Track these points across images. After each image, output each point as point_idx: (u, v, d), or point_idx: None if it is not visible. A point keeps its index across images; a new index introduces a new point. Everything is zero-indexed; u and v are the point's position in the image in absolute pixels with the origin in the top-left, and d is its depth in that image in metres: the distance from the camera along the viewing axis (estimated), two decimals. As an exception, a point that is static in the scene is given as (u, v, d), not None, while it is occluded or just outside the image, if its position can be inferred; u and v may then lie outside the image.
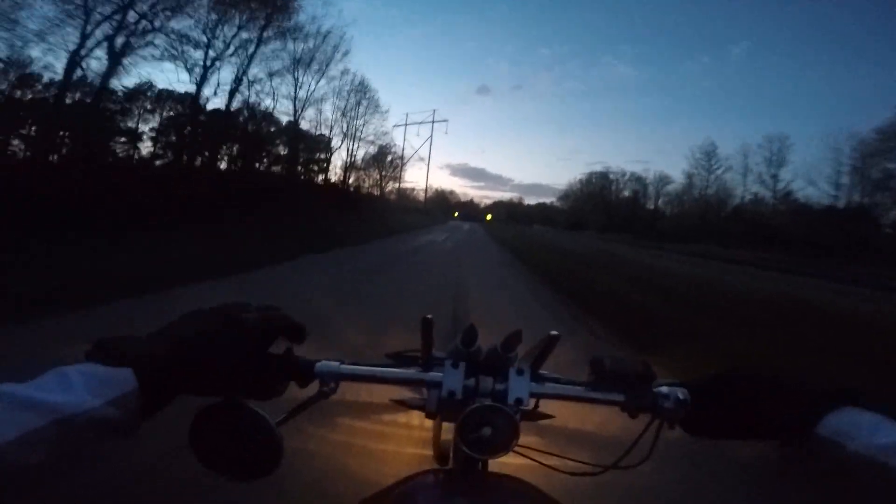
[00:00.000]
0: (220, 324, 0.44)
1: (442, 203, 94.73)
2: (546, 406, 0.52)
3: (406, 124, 58.33)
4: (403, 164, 61.40)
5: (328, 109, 26.33)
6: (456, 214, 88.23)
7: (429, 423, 0.58)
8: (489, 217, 66.95)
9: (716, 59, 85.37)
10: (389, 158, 69.48)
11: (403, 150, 62.80)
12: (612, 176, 72.14)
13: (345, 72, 23.54)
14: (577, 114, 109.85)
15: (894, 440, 0.38)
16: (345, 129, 25.92)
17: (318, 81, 21.57)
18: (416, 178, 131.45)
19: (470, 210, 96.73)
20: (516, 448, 0.48)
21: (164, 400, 0.41)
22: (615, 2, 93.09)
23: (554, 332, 0.49)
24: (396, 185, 71.65)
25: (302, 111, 21.04)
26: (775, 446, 0.45)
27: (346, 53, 21.61)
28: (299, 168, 23.84)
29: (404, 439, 1.59)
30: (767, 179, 42.79)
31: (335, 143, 25.73)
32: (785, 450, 0.45)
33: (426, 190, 61.84)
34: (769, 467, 0.51)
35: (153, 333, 0.43)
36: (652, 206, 63.08)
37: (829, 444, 0.41)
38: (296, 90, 20.59)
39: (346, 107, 25.16)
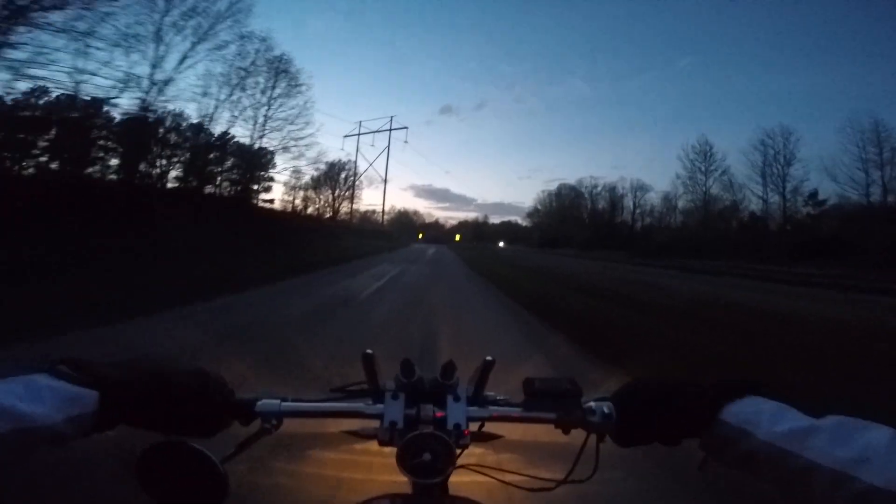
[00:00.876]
0: (183, 370, 0.48)
1: (406, 224, 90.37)
2: (496, 426, 0.55)
3: (359, 133, 53.73)
4: (356, 178, 55.07)
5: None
6: (421, 236, 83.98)
7: (385, 450, 0.59)
8: (458, 237, 62.26)
9: (664, 71, 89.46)
10: (343, 175, 65.11)
11: (356, 163, 55.49)
12: (583, 188, 69.99)
13: (245, 36, 17.54)
14: (537, 131, 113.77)
15: (795, 426, 0.41)
16: (257, 120, 20.24)
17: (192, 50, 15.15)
18: (379, 200, 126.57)
19: (436, 231, 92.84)
20: (474, 468, 0.53)
21: (112, 424, 0.44)
22: (571, 19, 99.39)
23: (489, 358, 0.52)
24: (352, 205, 67.50)
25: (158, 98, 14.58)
26: (696, 443, 0.48)
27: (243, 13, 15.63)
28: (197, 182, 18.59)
29: (363, 466, 1.47)
30: (776, 180, 36.69)
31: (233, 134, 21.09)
32: (703, 444, 0.47)
33: (383, 210, 57.15)
34: (694, 464, 0.48)
35: (119, 363, 0.46)
36: (631, 218, 60.97)
37: (735, 431, 0.44)
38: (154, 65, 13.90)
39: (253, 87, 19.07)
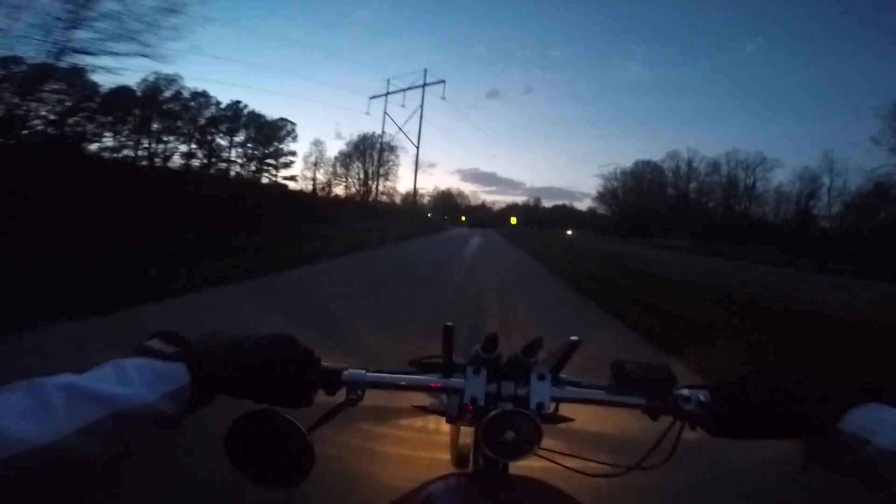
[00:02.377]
0: (269, 336, 0.47)
1: (448, 206, 79.52)
2: (566, 409, 0.53)
3: (388, 93, 43.09)
4: (382, 147, 45.41)
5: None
6: (463, 219, 72.48)
7: (446, 428, 0.58)
8: (513, 220, 48.58)
9: (730, 56, 79.36)
10: (378, 149, 55.28)
11: (383, 129, 47.86)
12: (666, 165, 56.42)
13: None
14: (590, 115, 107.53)
15: None
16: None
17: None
18: (422, 181, 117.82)
19: (482, 214, 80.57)
20: (537, 451, 0.49)
21: (209, 398, 0.43)
22: (624, 1, 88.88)
23: (574, 338, 0.50)
24: (376, 183, 57.09)
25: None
26: (800, 444, 0.46)
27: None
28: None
29: (423, 444, 1.61)
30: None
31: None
32: (809, 448, 0.46)
33: (415, 184, 46.08)
34: (793, 466, 0.47)
35: (208, 333, 0.46)
36: (747, 203, 46.41)
37: (853, 440, 0.41)
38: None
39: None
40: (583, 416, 0.55)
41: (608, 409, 0.52)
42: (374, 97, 43.60)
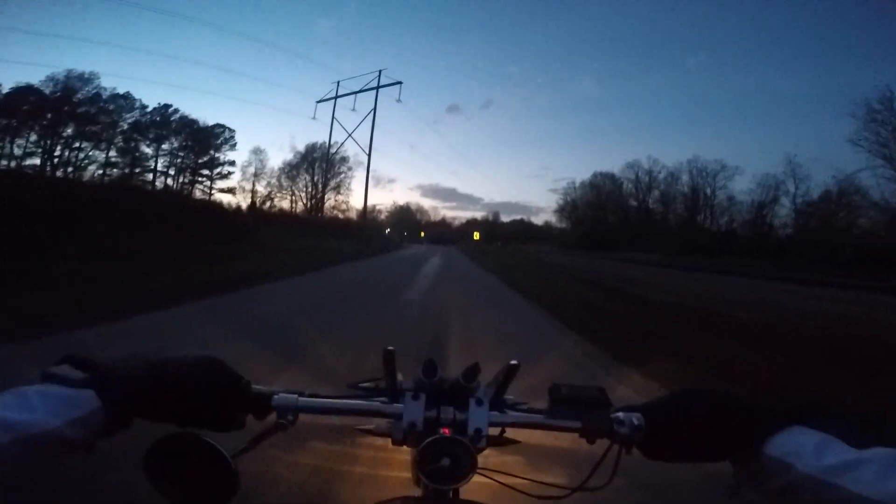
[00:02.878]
0: (195, 359, 0.46)
1: (407, 222, 77.09)
2: (513, 432, 0.54)
3: (337, 96, 39.99)
4: (330, 154, 41.07)
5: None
6: (423, 235, 70.48)
7: (403, 448, 0.58)
8: (477, 236, 45.26)
9: (678, 69, 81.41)
10: (332, 159, 51.88)
11: (330, 135, 40.96)
12: (625, 177, 56.67)
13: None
14: (545, 130, 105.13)
15: (840, 460, 0.39)
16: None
17: None
18: (381, 197, 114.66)
19: (442, 230, 78.60)
20: (486, 473, 0.51)
21: (125, 422, 0.42)
22: (579, 18, 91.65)
23: (514, 362, 0.50)
24: (338, 198, 53.71)
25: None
26: (728, 467, 0.48)
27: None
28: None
29: (379, 463, 1.53)
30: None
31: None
32: (736, 470, 0.47)
33: (365, 197, 41.70)
34: (722, 489, 0.49)
35: (124, 357, 0.45)
36: (709, 214, 46.64)
37: (777, 464, 0.42)
38: None
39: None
40: (531, 437, 0.55)
41: (555, 433, 0.52)
42: (321, 100, 40.25)
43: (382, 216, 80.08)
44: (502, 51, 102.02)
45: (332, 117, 39.75)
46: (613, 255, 35.99)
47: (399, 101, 38.16)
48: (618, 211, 57.11)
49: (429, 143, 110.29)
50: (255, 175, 45.28)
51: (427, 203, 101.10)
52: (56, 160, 29.88)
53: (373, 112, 37.91)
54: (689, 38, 76.94)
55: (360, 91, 38.10)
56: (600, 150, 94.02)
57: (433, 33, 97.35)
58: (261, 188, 45.72)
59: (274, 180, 45.81)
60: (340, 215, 52.31)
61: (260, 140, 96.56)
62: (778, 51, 71.47)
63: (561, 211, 64.43)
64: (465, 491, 0.50)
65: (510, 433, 0.54)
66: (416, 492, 0.52)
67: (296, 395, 0.49)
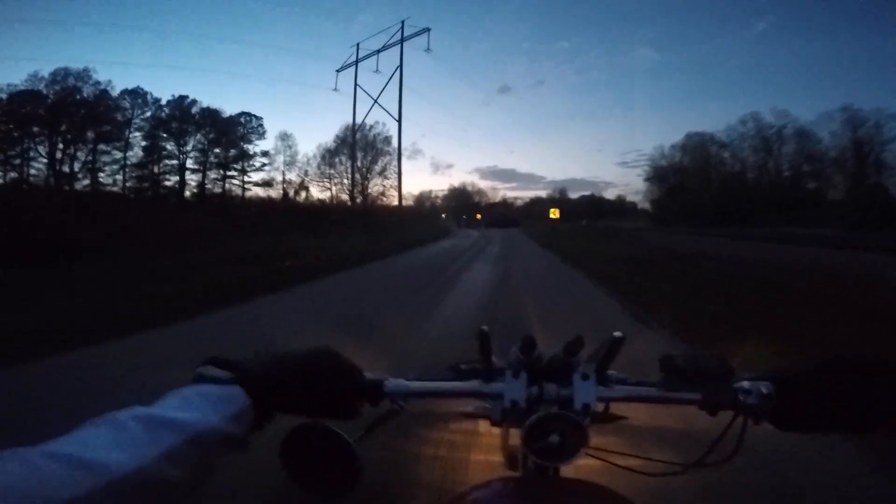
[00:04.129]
0: (315, 351, 0.48)
1: (463, 205, 67.60)
2: (619, 407, 0.51)
3: (357, 61, 31.95)
4: (359, 128, 34.28)
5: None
6: (478, 216, 60.50)
7: (496, 429, 0.58)
8: (555, 213, 31.92)
9: (741, 34, 69.39)
10: (375, 142, 44.13)
11: (354, 108, 32.86)
12: (720, 137, 42.90)
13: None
14: (604, 104, 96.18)
15: None
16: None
17: None
18: (440, 183, 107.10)
19: (503, 211, 67.76)
20: (590, 451, 0.48)
21: (268, 416, 0.45)
22: None
23: (618, 334, 0.47)
24: (385, 183, 46.30)
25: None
26: (881, 436, 0.43)
27: None
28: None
29: (473, 447, 1.58)
30: None
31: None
32: (887, 442, 0.45)
33: (399, 175, 33.93)
34: (868, 462, 0.54)
35: (257, 353, 0.47)
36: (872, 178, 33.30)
37: None
38: None
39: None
40: (638, 414, 0.52)
41: (663, 406, 0.49)
42: (341, 69, 32.43)
43: (437, 200, 73.13)
44: (550, 27, 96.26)
45: (355, 84, 31.27)
46: (756, 233, 24.87)
47: (429, 49, 28.94)
48: (729, 177, 43.53)
49: (484, 125, 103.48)
50: (289, 164, 38.74)
51: (486, 185, 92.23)
52: (71, 164, 26.65)
53: (399, 71, 28.80)
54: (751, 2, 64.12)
55: (384, 49, 29.30)
56: (665, 119, 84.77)
57: (478, 15, 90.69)
58: (293, 177, 39.22)
59: (311, 168, 39.10)
60: (386, 201, 45.18)
61: (285, 124, 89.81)
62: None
63: (655, 180, 51.26)
64: (566, 471, 0.50)
65: (616, 409, 0.51)
66: (509, 474, 0.52)
67: (405, 381, 0.50)
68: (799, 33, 65.07)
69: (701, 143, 48.72)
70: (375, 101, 31.07)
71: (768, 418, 0.45)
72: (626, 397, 0.49)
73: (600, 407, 0.48)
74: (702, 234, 26.37)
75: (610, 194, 76.19)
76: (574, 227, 34.95)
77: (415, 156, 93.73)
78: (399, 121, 29.88)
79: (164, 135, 31.95)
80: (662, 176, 51.08)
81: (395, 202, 44.99)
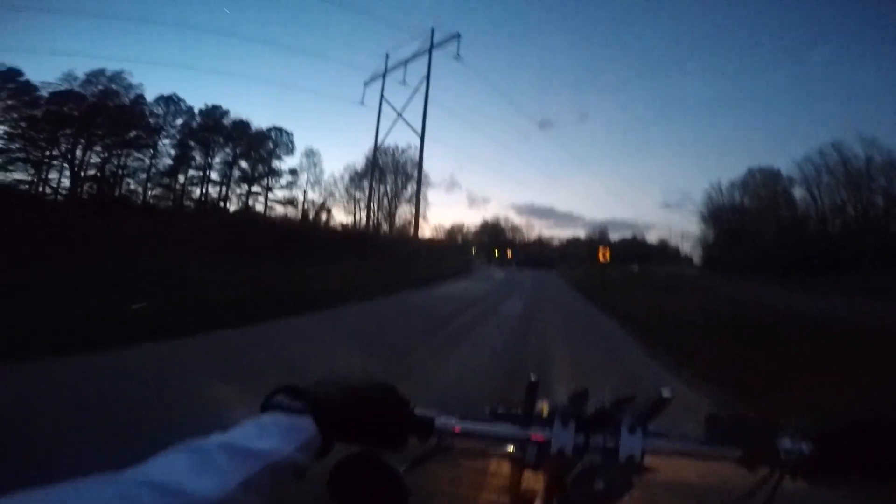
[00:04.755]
0: (373, 384, 0.49)
1: (497, 239, 63.53)
2: (650, 460, 0.51)
3: (385, 72, 28.91)
4: (378, 147, 30.04)
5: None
6: (510, 255, 55.97)
7: (504, 471, 0.59)
8: (605, 255, 24.60)
9: (797, 66, 64.57)
10: (401, 168, 41.26)
11: (379, 119, 28.60)
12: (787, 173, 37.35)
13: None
14: (649, 140, 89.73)
15: None
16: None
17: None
18: (475, 217, 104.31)
19: (538, 249, 62.95)
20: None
21: (331, 446, 0.45)
22: (677, 18, 77.43)
23: (666, 393, 0.48)
24: (369, 203, 39.41)
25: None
26: None
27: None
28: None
29: (520, 490, 1.14)
30: None
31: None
32: None
33: (417, 202, 29.78)
34: None
35: (319, 383, 0.48)
36: None
37: None
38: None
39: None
40: (672, 468, 0.54)
41: (700, 463, 0.50)
42: (369, 82, 29.90)
43: (469, 235, 69.56)
44: (595, 60, 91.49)
45: (381, 97, 28.52)
46: (843, 285, 19.01)
47: (458, 56, 26.00)
48: (802, 218, 37.58)
49: (522, 160, 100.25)
50: (315, 183, 36.54)
51: (522, 221, 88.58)
52: (102, 170, 25.99)
53: (426, 83, 25.82)
54: (807, 31, 60.33)
55: (413, 58, 26.51)
56: (715, 159, 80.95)
57: (521, 47, 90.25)
58: (316, 196, 37.11)
59: (338, 189, 37.09)
60: (410, 232, 42.03)
61: (310, 139, 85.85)
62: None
63: (711, 221, 45.60)
64: None
65: (654, 463, 0.50)
66: None
67: (455, 419, 0.51)
68: (858, 60, 58.75)
69: (766, 179, 43.35)
70: (399, 115, 27.97)
71: (803, 474, 0.46)
72: (669, 451, 0.49)
73: (646, 460, 0.49)
74: (777, 286, 21.15)
75: (651, 237, 71.95)
76: (622, 273, 29.24)
77: (452, 188, 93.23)
78: (422, 137, 26.64)
79: (194, 144, 30.64)
80: (718, 217, 45.67)
81: (421, 231, 41.97)
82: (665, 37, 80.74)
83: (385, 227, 40.61)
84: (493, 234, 66.98)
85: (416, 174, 42.22)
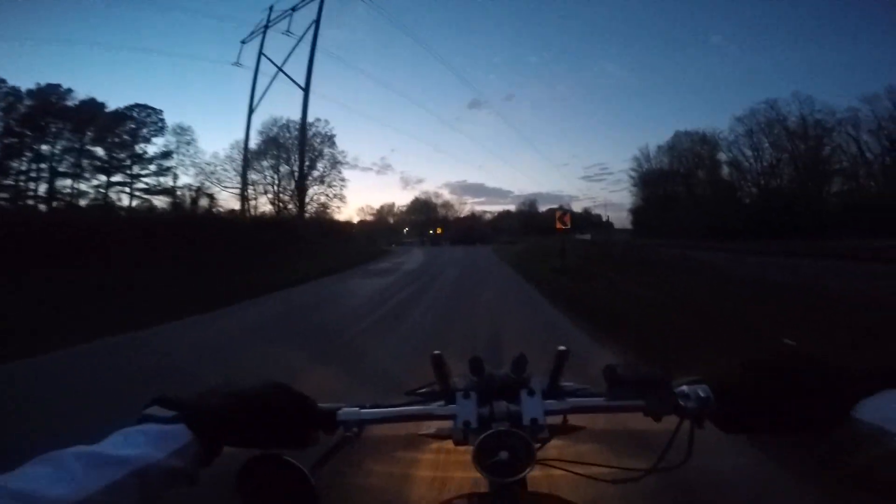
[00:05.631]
0: (263, 385, 0.48)
1: (429, 218, 58.56)
2: (577, 418, 0.52)
3: (266, 26, 22.87)
4: (255, 106, 23.92)
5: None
6: (440, 231, 51.57)
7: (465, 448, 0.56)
8: (566, 223, 21.90)
9: (699, 49, 69.88)
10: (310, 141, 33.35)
11: (256, 76, 23.28)
12: (729, 134, 36.28)
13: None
14: (571, 118, 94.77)
15: None
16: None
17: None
18: (409, 197, 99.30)
19: (470, 226, 58.77)
20: (553, 463, 0.50)
21: (216, 450, 0.44)
22: (597, 4, 79.76)
23: (562, 348, 0.49)
24: (329, 191, 37.27)
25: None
26: (817, 436, 0.43)
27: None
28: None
29: (445, 464, 1.46)
30: None
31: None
32: (825, 440, 0.42)
33: (301, 167, 27.11)
34: (811, 460, 0.45)
35: (204, 391, 0.47)
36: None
37: (869, 428, 0.38)
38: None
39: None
40: (596, 422, 0.53)
41: (618, 415, 0.50)
42: (246, 40, 23.53)
43: (400, 214, 63.91)
44: (520, 42, 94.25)
45: (260, 53, 22.13)
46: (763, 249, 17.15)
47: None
48: (727, 184, 36.85)
49: (454, 139, 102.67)
50: (189, 165, 29.30)
51: (454, 198, 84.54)
52: None
53: (314, 28, 19.95)
54: (709, 18, 63.34)
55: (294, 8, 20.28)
56: (631, 133, 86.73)
57: (448, 30, 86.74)
58: (190, 179, 30.79)
59: (227, 171, 30.56)
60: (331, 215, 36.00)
61: (180, 115, 69.31)
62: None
63: (641, 186, 44.02)
64: (537, 483, 0.49)
65: (573, 420, 0.52)
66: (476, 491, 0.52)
67: (358, 409, 0.50)
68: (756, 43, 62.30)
69: (693, 142, 42.37)
70: (280, 69, 21.80)
71: (712, 420, 0.46)
72: (572, 409, 0.49)
73: (556, 420, 0.49)
74: (712, 250, 18.66)
75: (576, 207, 70.02)
76: (571, 245, 25.41)
77: (385, 171, 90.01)
78: (306, 91, 20.86)
79: (28, 132, 24.41)
80: (647, 181, 44.38)
81: (342, 216, 36.18)
82: (580, 25, 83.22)
83: (292, 210, 34.15)
84: (424, 211, 61.86)
85: (326, 149, 35.95)
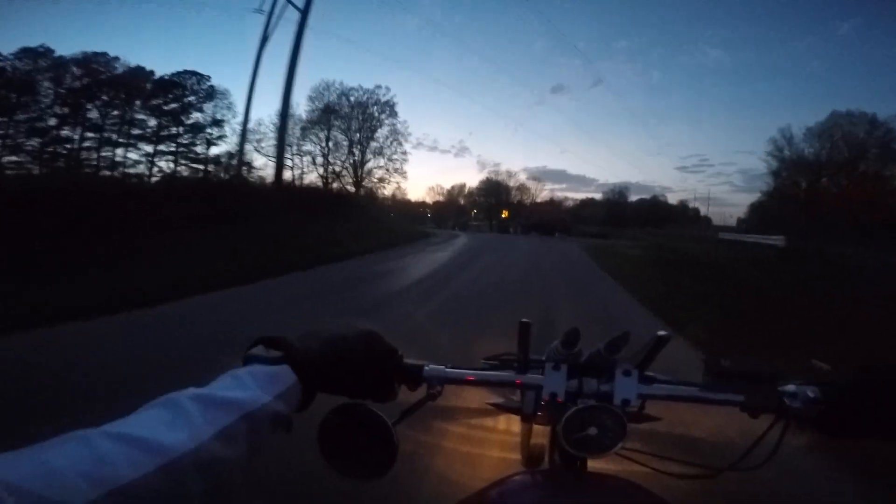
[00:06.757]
0: (358, 334, 0.48)
1: (495, 198, 52.18)
2: (653, 408, 0.49)
3: None
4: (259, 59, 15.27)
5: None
6: (506, 215, 45.35)
7: (516, 428, 0.56)
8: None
9: (821, 37, 57.71)
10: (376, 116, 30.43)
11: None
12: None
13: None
14: (666, 106, 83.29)
15: None
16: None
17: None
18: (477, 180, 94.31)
19: (548, 211, 50.85)
20: (620, 451, 0.47)
21: (313, 396, 0.45)
22: None
23: (662, 333, 0.46)
24: (389, 165, 32.28)
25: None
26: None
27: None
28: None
29: (492, 443, 1.50)
30: None
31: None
32: None
33: (283, 123, 17.24)
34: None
35: (303, 334, 0.47)
36: None
37: None
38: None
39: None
40: (672, 416, 0.51)
41: (700, 410, 0.47)
42: None
43: (472, 195, 58.41)
44: (607, 26, 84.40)
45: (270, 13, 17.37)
46: None
47: None
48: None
49: (535, 125, 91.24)
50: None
51: (532, 182, 77.20)
52: None
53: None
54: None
55: None
56: (734, 123, 76.00)
57: (532, 13, 77.79)
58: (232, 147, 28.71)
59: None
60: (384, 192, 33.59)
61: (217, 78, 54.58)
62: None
63: (779, 175, 33.77)
64: (595, 469, 0.48)
65: (655, 410, 0.49)
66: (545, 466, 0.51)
67: (443, 367, 0.50)
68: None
69: (854, 125, 31.20)
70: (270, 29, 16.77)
71: (813, 424, 0.44)
72: (667, 396, 0.47)
73: (638, 405, 0.47)
74: None
75: (671, 199, 61.63)
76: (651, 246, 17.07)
77: (462, 153, 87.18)
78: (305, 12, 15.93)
79: (79, 101, 23.74)
80: (793, 169, 33.83)
81: (399, 193, 31.98)
82: (678, 5, 73.54)
83: (347, 185, 30.40)
84: (495, 193, 55.31)
85: (386, 119, 31.35)
